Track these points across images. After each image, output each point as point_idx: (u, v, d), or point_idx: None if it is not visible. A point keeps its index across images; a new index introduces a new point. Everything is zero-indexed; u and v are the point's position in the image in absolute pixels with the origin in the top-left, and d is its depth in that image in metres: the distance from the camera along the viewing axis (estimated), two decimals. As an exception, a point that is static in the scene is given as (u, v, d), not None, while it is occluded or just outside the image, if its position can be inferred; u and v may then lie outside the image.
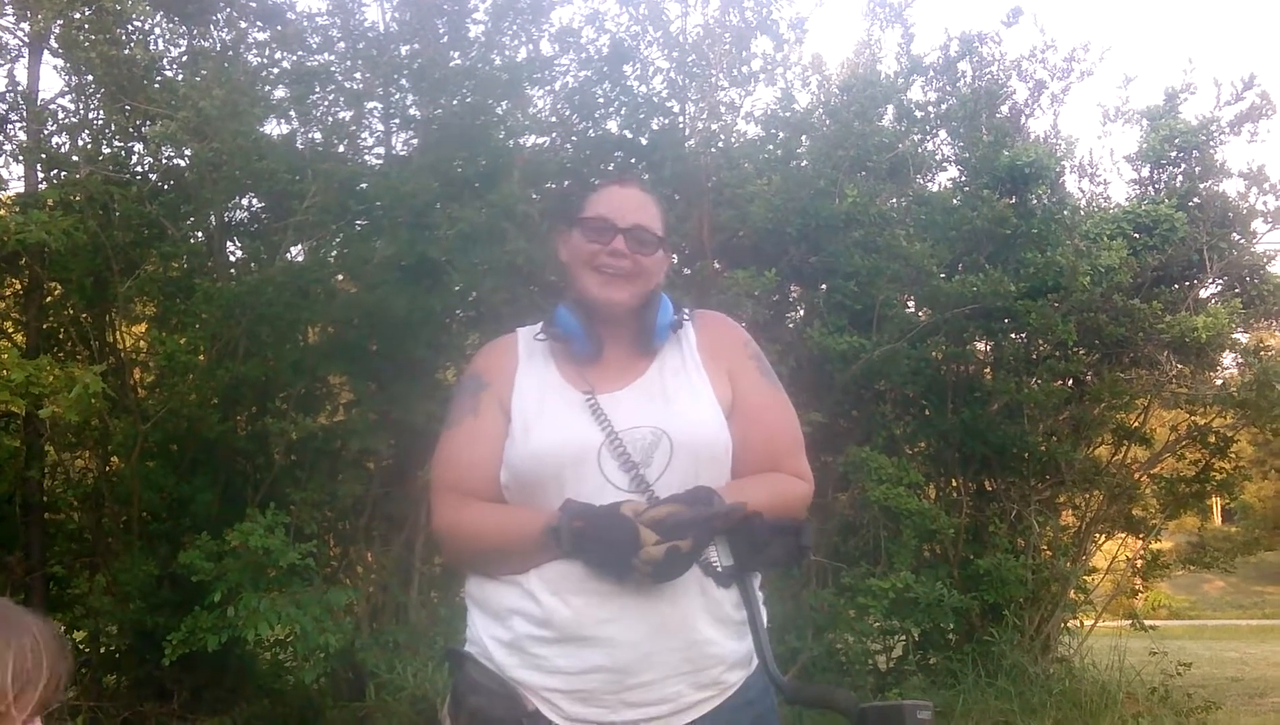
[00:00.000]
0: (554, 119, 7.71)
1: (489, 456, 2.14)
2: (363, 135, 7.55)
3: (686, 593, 2.01)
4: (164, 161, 7.54)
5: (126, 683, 7.31)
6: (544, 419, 2.13)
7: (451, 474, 2.18)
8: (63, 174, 7.25)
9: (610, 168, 7.49)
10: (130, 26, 7.42)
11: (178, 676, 6.82)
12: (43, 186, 7.16)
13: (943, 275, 8.16)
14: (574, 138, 7.61)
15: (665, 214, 2.31)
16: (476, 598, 2.15)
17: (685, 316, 2.30)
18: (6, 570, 7.16)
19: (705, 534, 1.97)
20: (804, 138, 8.62)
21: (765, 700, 2.14)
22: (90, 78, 7.32)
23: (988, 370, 9.09)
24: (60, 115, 7.47)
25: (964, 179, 9.11)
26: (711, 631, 2.04)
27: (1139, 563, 9.70)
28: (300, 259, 7.49)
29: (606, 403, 2.13)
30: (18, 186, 7.33)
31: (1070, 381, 9.07)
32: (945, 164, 9.49)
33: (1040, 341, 8.88)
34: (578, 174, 7.17)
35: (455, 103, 6.88)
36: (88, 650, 7.36)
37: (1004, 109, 9.43)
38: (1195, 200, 9.37)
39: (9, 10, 7.23)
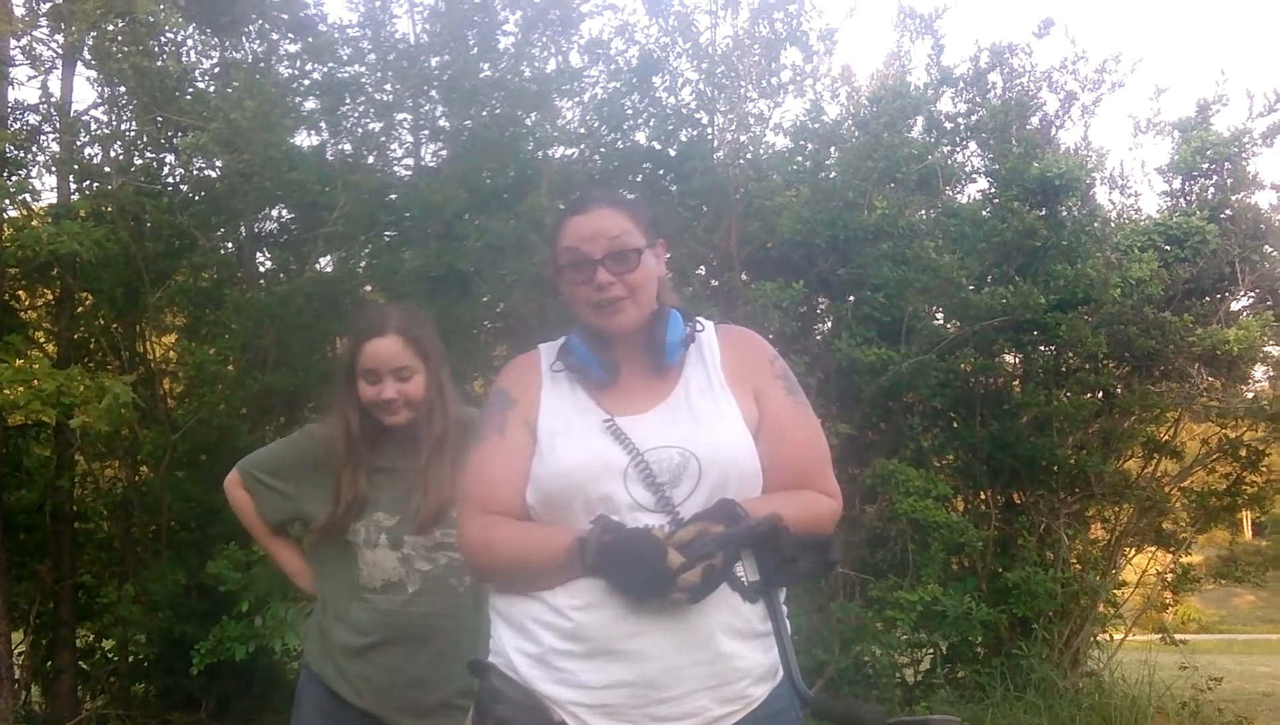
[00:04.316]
0: (583, 130, 7.71)
1: (515, 474, 2.14)
2: (392, 146, 7.59)
3: (712, 607, 1.99)
4: (195, 172, 7.60)
5: (155, 691, 7.36)
6: (569, 438, 2.13)
7: (478, 490, 2.17)
8: (95, 185, 7.31)
9: (638, 179, 7.50)
10: (163, 38, 7.49)
11: (205, 685, 6.86)
12: (75, 197, 7.22)
13: (972, 287, 8.10)
14: (602, 149, 7.61)
15: (641, 208, 2.29)
16: (502, 611, 2.14)
17: (698, 328, 2.29)
18: (36, 579, 7.22)
19: (735, 549, 1.96)
20: (833, 149, 8.56)
21: (790, 713, 2.13)
22: (123, 89, 7.38)
23: (1017, 382, 9.02)
24: (93, 126, 7.53)
25: (994, 191, 9.04)
26: (737, 645, 2.03)
27: (1169, 576, 9.60)
28: (329, 270, 7.53)
29: (629, 424, 2.13)
30: (50, 197, 7.39)
31: (1100, 394, 8.98)
32: (975, 176, 9.42)
33: (1070, 354, 8.80)
34: (605, 185, 7.17)
35: (484, 114, 6.90)
36: (116, 659, 7.41)
37: (1034, 120, 9.36)
38: (1227, 212, 9.27)
39: (43, 23, 7.30)
